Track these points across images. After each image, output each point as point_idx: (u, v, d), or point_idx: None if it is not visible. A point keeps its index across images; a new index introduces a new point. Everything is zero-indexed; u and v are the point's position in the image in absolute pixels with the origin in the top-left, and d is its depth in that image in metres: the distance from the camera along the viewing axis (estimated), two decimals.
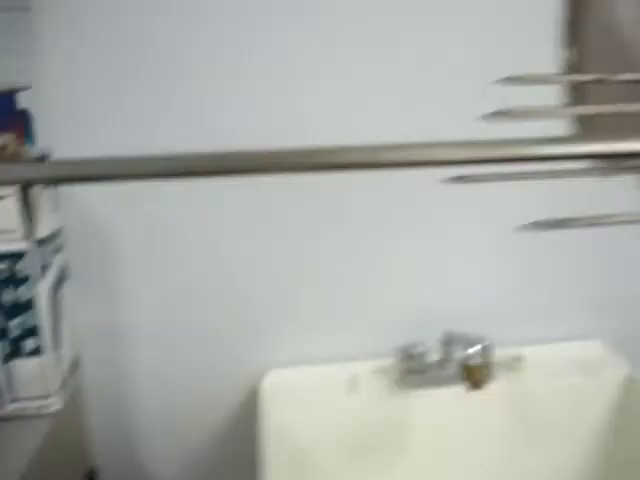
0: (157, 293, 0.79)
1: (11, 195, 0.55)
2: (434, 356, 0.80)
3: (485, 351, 0.79)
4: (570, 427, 0.83)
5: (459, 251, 0.83)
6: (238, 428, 0.85)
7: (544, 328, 0.88)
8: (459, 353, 0.77)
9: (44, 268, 0.59)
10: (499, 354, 0.83)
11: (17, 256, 0.57)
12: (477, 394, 0.79)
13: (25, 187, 0.55)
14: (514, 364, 0.83)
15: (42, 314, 0.59)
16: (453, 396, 0.80)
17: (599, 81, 0.41)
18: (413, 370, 0.80)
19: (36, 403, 0.60)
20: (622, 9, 0.34)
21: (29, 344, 0.59)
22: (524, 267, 0.86)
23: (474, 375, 0.73)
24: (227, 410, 0.85)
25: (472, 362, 0.74)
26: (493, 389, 0.81)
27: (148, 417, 0.84)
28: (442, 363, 0.80)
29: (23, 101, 0.60)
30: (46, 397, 0.60)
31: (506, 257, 0.84)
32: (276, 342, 0.83)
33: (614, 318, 0.90)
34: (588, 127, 0.38)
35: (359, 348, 0.84)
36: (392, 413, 0.80)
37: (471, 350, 0.74)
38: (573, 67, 0.36)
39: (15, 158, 0.59)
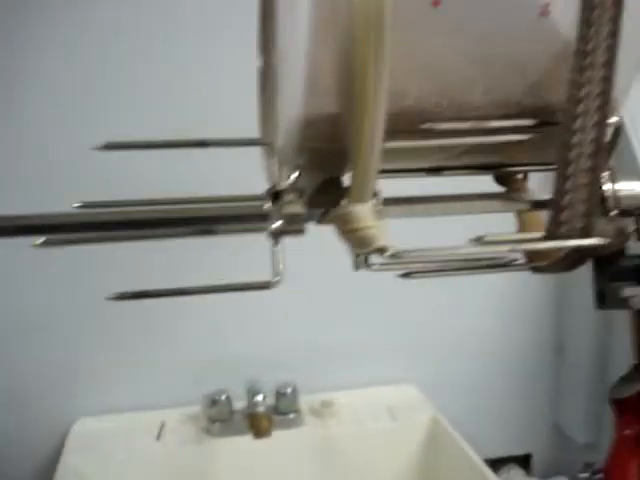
0: None
1: None
2: (240, 404, 0.82)
3: (289, 397, 0.82)
4: (378, 471, 0.85)
5: (272, 298, 0.85)
6: (46, 477, 0.86)
7: (357, 373, 0.91)
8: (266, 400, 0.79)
9: None
10: (308, 400, 0.86)
11: None
12: (283, 441, 0.81)
13: None
14: (323, 409, 0.85)
15: None
16: (259, 443, 0.81)
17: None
18: (218, 418, 0.82)
19: None
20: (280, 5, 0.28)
21: None
22: (340, 313, 0.89)
23: (257, 424, 0.75)
24: (34, 459, 0.85)
25: (257, 410, 0.76)
26: (301, 435, 0.84)
27: None
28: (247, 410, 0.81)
29: None
30: None
31: (320, 303, 0.87)
32: (85, 390, 0.84)
33: (426, 363, 0.92)
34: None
35: (168, 396, 0.86)
36: (197, 461, 0.81)
37: (257, 398, 0.76)
38: (266, 73, 0.30)
39: None
